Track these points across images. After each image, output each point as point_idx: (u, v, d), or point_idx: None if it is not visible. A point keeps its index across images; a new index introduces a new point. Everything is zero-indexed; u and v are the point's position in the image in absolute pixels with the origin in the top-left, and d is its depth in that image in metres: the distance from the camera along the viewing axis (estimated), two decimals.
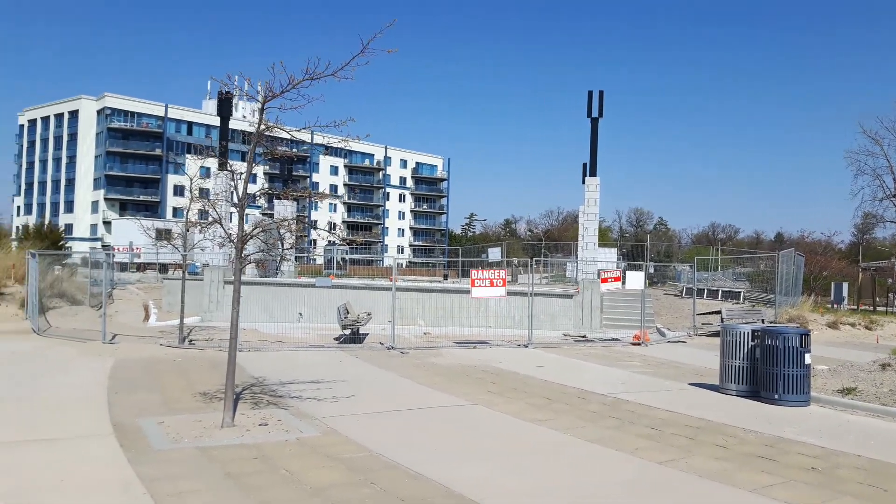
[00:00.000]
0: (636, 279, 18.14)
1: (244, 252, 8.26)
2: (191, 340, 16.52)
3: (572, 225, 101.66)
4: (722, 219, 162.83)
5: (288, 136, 8.12)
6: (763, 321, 21.13)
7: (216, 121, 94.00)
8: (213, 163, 17.98)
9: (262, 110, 7.97)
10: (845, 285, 29.69)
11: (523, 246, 62.75)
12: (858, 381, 11.00)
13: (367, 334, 18.64)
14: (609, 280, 17.93)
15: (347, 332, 17.74)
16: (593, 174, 22.18)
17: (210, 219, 8.62)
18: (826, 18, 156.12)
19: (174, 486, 5.89)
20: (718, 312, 23.34)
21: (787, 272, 25.26)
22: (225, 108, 22.31)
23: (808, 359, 10.16)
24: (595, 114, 21.63)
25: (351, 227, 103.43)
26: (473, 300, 22.56)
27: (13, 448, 7.03)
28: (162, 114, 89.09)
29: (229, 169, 8.28)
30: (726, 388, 11.12)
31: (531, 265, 19.19)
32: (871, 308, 28.10)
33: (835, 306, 27.57)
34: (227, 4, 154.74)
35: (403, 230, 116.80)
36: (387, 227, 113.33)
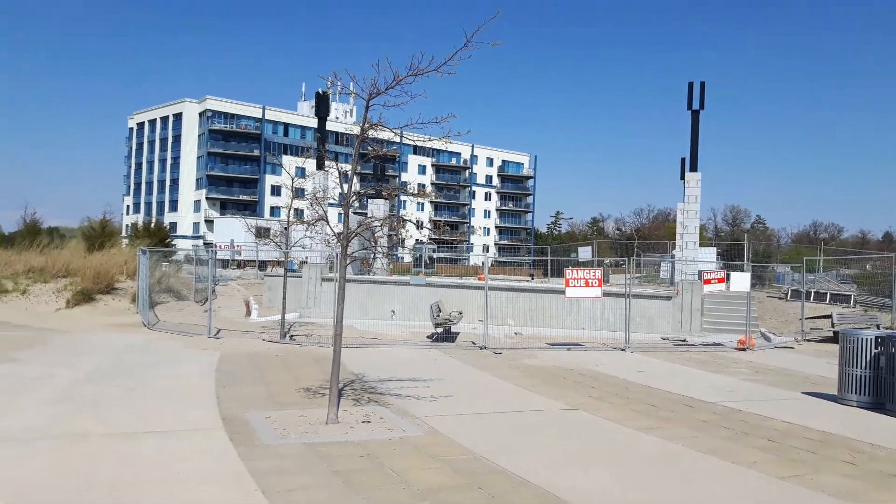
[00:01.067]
0: (741, 280, 17.27)
1: (348, 250, 8.31)
2: (291, 336, 16.95)
3: (663, 223, 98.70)
4: (824, 217, 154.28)
5: (391, 134, 8.10)
6: (878, 327, 19.75)
7: (311, 122, 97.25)
8: (309, 163, 18.37)
9: (367, 107, 7.99)
10: None
11: (611, 245, 61.33)
12: None
13: (458, 333, 18.60)
14: (713, 281, 17.16)
15: (440, 330, 17.77)
16: (694, 169, 21.33)
17: (316, 217, 8.71)
18: None
19: (284, 482, 5.95)
20: (827, 317, 21.97)
21: None
22: (323, 108, 22.80)
23: None
24: (696, 106, 20.78)
25: (437, 225, 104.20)
26: (565, 300, 22.21)
27: (131, 438, 7.32)
28: (260, 115, 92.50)
29: (336, 168, 8.33)
30: (846, 398, 10.37)
31: (629, 264, 18.59)
32: None
33: None
34: (321, 9, 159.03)
35: (489, 229, 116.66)
36: (472, 226, 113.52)
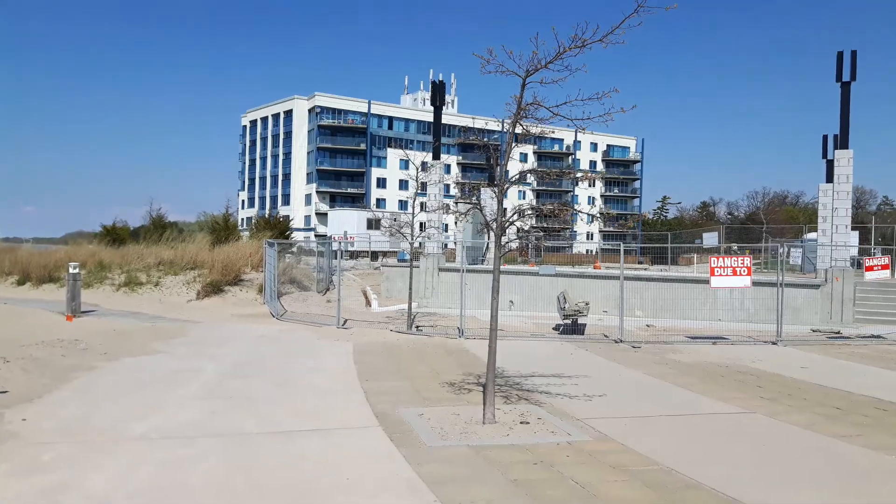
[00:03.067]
0: None
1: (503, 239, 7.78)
2: (417, 326, 16.72)
3: (780, 206, 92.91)
4: None
5: (550, 114, 7.46)
6: None
7: (414, 114, 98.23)
8: (414, 155, 17.94)
9: (523, 85, 7.40)
10: None
11: (735, 230, 58.05)
12: None
13: (584, 325, 17.78)
14: (875, 268, 15.52)
15: (567, 321, 17.03)
16: (845, 146, 19.41)
17: (469, 206, 8.24)
18: None
19: (464, 494, 5.49)
20: None
21: None
22: (438, 97, 22.44)
23: None
24: (846, 77, 18.86)
25: (529, 214, 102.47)
26: (699, 289, 20.91)
27: (291, 438, 7.11)
28: (365, 110, 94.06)
29: (492, 150, 7.81)
30: None
31: (782, 252, 17.13)
32: None
33: None
34: (419, 4, 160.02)
35: (593, 216, 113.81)
36: (577, 213, 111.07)
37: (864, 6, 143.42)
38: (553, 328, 17.46)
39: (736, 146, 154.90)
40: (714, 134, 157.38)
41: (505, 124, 8.04)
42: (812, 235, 31.11)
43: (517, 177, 8.05)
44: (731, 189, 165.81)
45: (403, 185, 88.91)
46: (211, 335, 14.98)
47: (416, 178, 16.54)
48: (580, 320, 17.49)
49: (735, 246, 32.04)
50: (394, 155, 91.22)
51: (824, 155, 24.25)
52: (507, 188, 7.61)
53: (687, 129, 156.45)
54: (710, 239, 33.74)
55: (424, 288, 23.50)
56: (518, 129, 7.76)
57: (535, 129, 7.96)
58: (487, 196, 27.98)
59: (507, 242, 8.13)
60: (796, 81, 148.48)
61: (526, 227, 9.08)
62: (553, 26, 6.91)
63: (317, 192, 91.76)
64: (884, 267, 15.59)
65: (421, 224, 22.57)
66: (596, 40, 7.11)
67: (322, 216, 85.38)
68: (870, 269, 15.72)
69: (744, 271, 14.80)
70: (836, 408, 8.94)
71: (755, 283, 18.74)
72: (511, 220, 7.88)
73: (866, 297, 20.40)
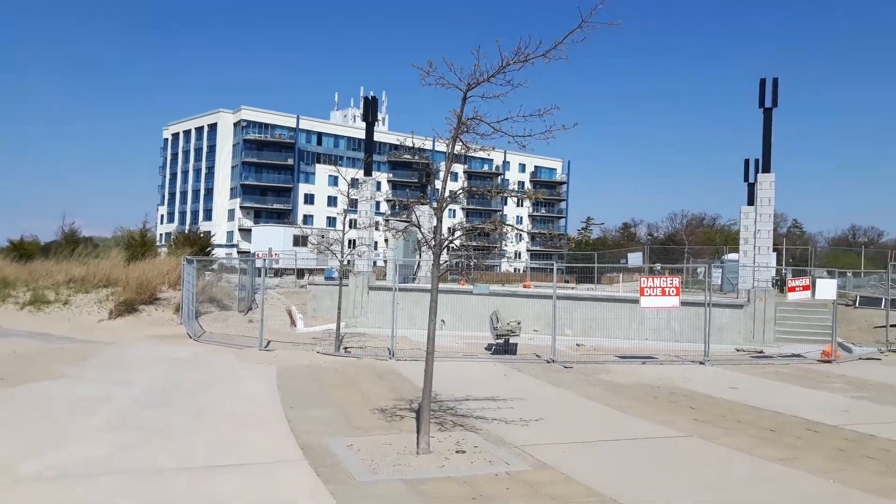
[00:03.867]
0: (827, 288, 16.00)
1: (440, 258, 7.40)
2: (346, 348, 16.11)
3: (698, 228, 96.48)
4: (863, 221, 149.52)
5: (490, 130, 7.17)
6: None
7: (344, 130, 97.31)
8: (345, 172, 17.41)
9: (464, 99, 7.10)
10: None
11: (657, 251, 59.69)
12: None
13: (516, 344, 17.60)
14: (797, 289, 15.94)
15: (500, 341, 16.80)
16: (767, 170, 20.04)
17: (404, 224, 7.84)
18: None
19: None
20: None
21: None
22: (371, 113, 22.02)
23: None
24: (768, 103, 19.51)
25: (468, 232, 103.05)
26: (626, 309, 21.10)
27: (210, 475, 6.48)
28: (293, 125, 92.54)
29: (433, 168, 7.46)
30: None
31: (708, 271, 17.42)
32: None
33: None
34: (352, 19, 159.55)
35: (521, 235, 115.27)
36: (502, 237, 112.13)
37: (785, 35, 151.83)
38: (485, 348, 17.20)
39: (656, 170, 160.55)
40: (635, 157, 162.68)
41: (437, 142, 7.71)
42: (732, 256, 32.15)
43: (459, 193, 7.70)
44: (651, 211, 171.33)
45: (332, 201, 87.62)
46: (123, 358, 13.98)
47: (347, 194, 16.02)
48: (512, 340, 17.30)
49: (659, 266, 32.73)
50: (322, 171, 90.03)
51: (746, 178, 25.09)
52: (447, 205, 7.25)
53: (609, 153, 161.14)
54: (635, 259, 34.43)
55: (353, 307, 22.88)
56: (458, 147, 7.44)
57: (475, 146, 7.65)
58: (423, 214, 27.69)
59: (445, 262, 7.75)
60: (717, 106, 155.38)
61: (464, 245, 8.75)
62: (497, 38, 6.65)
63: (241, 207, 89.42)
64: (805, 288, 16.04)
65: (351, 241, 22.00)
66: (539, 55, 6.89)
67: (246, 232, 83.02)
68: (792, 289, 16.16)
69: (672, 291, 14.93)
70: (769, 429, 8.92)
71: (682, 304, 19.09)
72: (451, 238, 7.53)
73: (786, 316, 21.06)
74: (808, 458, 7.47)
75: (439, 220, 7.30)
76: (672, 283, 14.92)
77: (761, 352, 17.81)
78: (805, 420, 9.54)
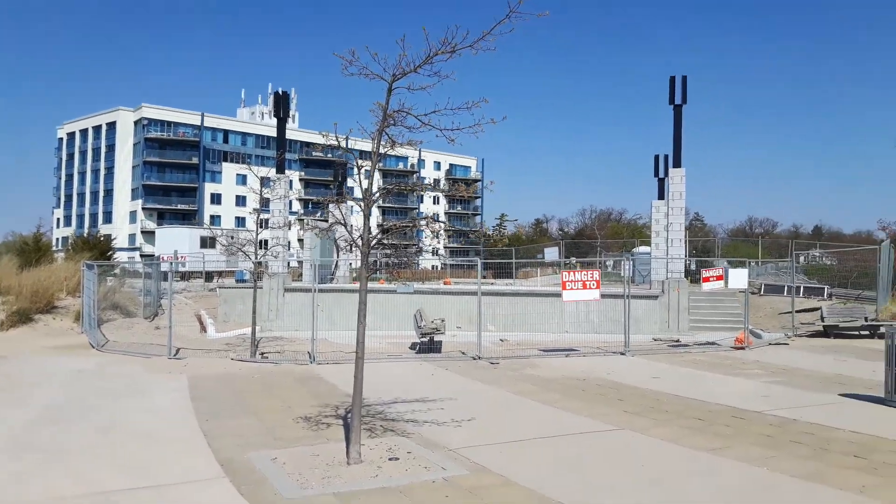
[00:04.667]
0: (739, 277, 16.58)
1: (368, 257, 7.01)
2: (262, 353, 15.40)
3: (606, 223, 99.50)
4: (759, 213, 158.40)
5: (418, 123, 6.83)
6: (867, 319, 19.46)
7: (252, 128, 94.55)
8: (257, 170, 16.56)
9: (390, 90, 6.74)
10: None
11: (573, 245, 60.92)
12: None
13: (440, 342, 17.36)
14: (711, 279, 16.42)
15: (425, 339, 16.52)
16: (677, 165, 20.62)
17: (332, 220, 7.39)
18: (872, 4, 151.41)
19: None
20: (813, 310, 21.68)
21: (874, 268, 23.48)
22: (282, 109, 21.23)
23: None
24: (678, 100, 20.09)
25: (384, 230, 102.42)
26: (547, 303, 21.27)
27: (116, 501, 5.85)
28: (198, 122, 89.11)
29: (357, 164, 7.05)
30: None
31: (625, 267, 17.69)
32: None
33: None
34: (259, 15, 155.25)
35: (438, 233, 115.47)
36: (422, 231, 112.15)
37: (694, 35, 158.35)
38: (410, 347, 16.88)
39: (568, 167, 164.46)
40: (547, 155, 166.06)
41: (357, 139, 7.32)
42: (642, 249, 33.06)
43: (389, 189, 7.33)
44: (563, 207, 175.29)
45: (240, 201, 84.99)
46: (18, 372, 12.80)
47: (260, 192, 15.30)
48: (437, 338, 17.05)
49: (573, 260, 33.31)
50: (230, 169, 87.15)
51: (656, 174, 25.80)
52: (375, 202, 6.87)
53: (522, 151, 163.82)
54: (551, 254, 34.98)
55: (269, 310, 22.05)
56: (384, 141, 7.06)
57: (402, 142, 7.29)
58: (339, 213, 27.01)
59: (374, 261, 7.35)
60: (627, 104, 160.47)
61: (393, 244, 8.38)
62: (423, 26, 6.31)
63: (143, 208, 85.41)
64: (718, 278, 16.56)
65: (263, 242, 21.14)
66: (466, 46, 6.61)
67: (149, 235, 79.34)
68: (706, 279, 16.64)
69: (593, 285, 15.06)
70: (697, 419, 9.01)
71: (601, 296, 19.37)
72: (382, 236, 7.14)
73: (698, 306, 21.75)
74: (738, 447, 7.54)
75: (366, 217, 6.91)
76: (593, 277, 15.05)
77: (678, 341, 18.29)
78: (730, 407, 9.71)
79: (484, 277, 38.54)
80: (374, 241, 6.99)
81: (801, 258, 34.83)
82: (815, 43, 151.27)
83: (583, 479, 6.47)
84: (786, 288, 25.86)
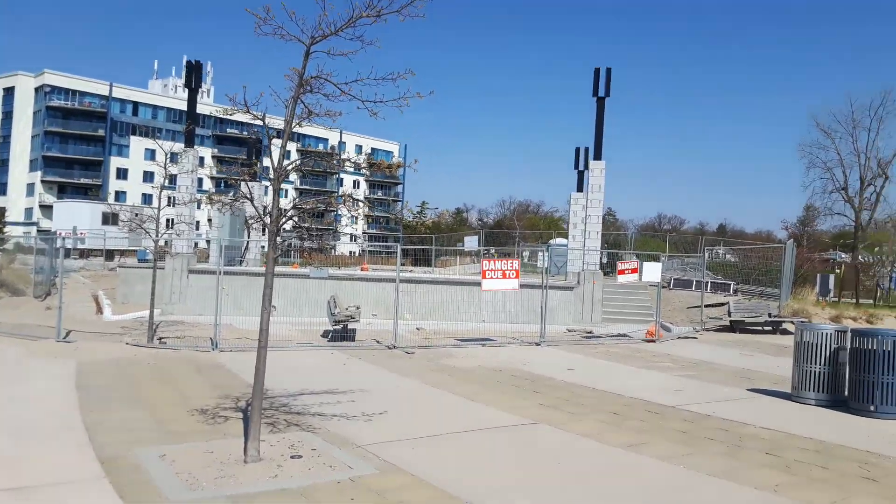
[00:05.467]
0: (653, 270, 16.79)
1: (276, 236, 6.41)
2: (161, 338, 14.43)
3: (524, 214, 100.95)
4: (668, 209, 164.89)
5: (338, 91, 6.28)
6: (770, 315, 20.20)
7: (163, 101, 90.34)
8: (165, 145, 15.39)
9: (307, 53, 6.15)
10: (831, 277, 29.23)
11: (493, 235, 61.21)
12: None
13: (354, 330, 16.80)
14: (626, 272, 16.56)
15: (339, 327, 15.92)
16: (598, 157, 20.73)
17: (239, 195, 6.74)
18: (782, 12, 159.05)
19: None
20: (720, 305, 22.35)
21: (776, 265, 24.52)
22: (194, 79, 20.02)
23: None
24: (602, 93, 20.15)
25: (297, 207, 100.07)
26: (464, 292, 21.03)
27: None
28: (105, 93, 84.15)
29: (268, 134, 6.42)
30: (803, 397, 9.79)
31: (544, 257, 17.62)
32: (855, 300, 27.71)
33: (820, 299, 26.97)
34: None
35: (357, 217, 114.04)
36: (340, 214, 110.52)
37: (616, 27, 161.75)
38: (322, 335, 16.23)
39: (489, 157, 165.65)
40: (469, 144, 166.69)
41: (269, 119, 6.70)
42: (559, 241, 33.41)
43: (303, 163, 6.76)
44: (483, 197, 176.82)
45: (149, 176, 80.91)
46: None
47: (165, 165, 14.26)
48: (351, 326, 16.48)
49: (493, 250, 33.33)
50: (138, 143, 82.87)
51: (576, 166, 25.97)
52: (287, 175, 6.28)
53: (445, 138, 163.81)
54: (471, 242, 34.91)
55: (171, 292, 20.84)
56: (299, 111, 6.46)
57: (319, 112, 6.70)
58: (254, 190, 25.84)
59: (284, 243, 6.76)
60: (549, 95, 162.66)
61: (306, 227, 7.79)
62: None
63: (42, 181, 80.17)
64: (633, 271, 16.72)
65: (169, 220, 19.97)
66: (393, 11, 6.11)
67: (48, 209, 74.57)
68: (622, 272, 16.78)
69: (513, 274, 14.87)
70: (613, 413, 8.87)
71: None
72: (291, 213, 6.56)
73: (611, 298, 22.03)
74: (656, 443, 7.41)
75: (276, 193, 6.33)
76: (512, 267, 14.85)
77: (591, 332, 18.41)
78: (644, 401, 9.65)
79: (402, 264, 38.25)
80: (283, 220, 6.39)
81: (707, 255, 36.08)
82: (718, 48, 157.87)
83: (499, 478, 6.14)
84: (694, 283, 26.65)
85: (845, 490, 5.98)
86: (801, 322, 10.60)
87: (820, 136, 42.41)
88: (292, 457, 6.47)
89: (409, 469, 6.21)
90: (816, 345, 9.65)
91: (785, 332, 19.66)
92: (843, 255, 45.82)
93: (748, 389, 10.93)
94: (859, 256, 41.31)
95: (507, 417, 8.44)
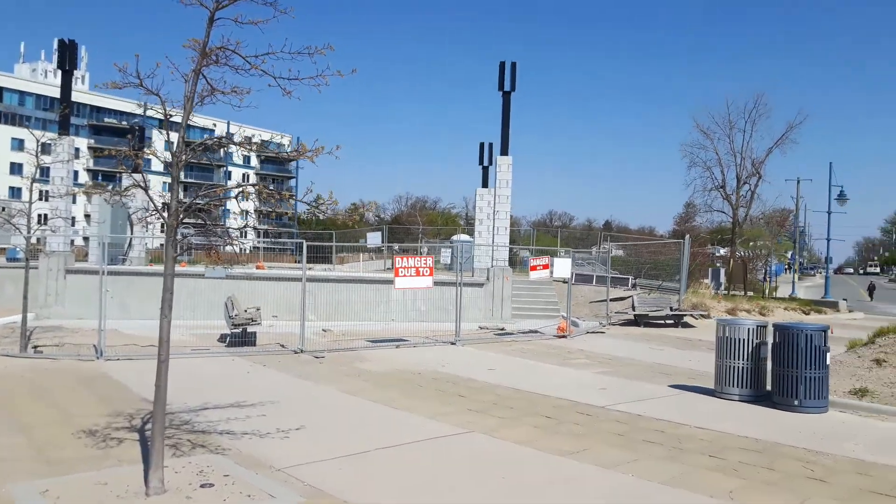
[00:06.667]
0: (563, 267, 16.70)
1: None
2: (36, 347, 12.85)
3: (422, 211, 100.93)
4: (558, 206, 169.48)
5: (247, 65, 5.46)
6: (671, 308, 20.71)
7: (31, 87, 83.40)
8: (32, 133, 13.69)
9: (212, 19, 5.30)
10: (722, 271, 30.63)
11: (395, 231, 60.35)
12: (862, 381, 10.08)
13: (255, 333, 15.71)
14: (538, 268, 16.36)
15: (238, 331, 14.81)
16: (505, 153, 20.50)
17: (131, 183, 5.75)
18: (670, 13, 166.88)
19: None
20: (622, 300, 22.75)
21: (666, 260, 25.37)
22: (68, 59, 18.11)
23: (828, 358, 9.03)
24: (507, 87, 19.91)
25: (187, 208, 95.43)
26: (371, 290, 20.27)
27: None
28: None
29: (164, 110, 5.50)
30: (727, 393, 9.79)
31: (456, 253, 17.12)
32: (744, 293, 29.24)
33: (715, 292, 28.23)
34: None
35: (247, 212, 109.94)
36: (228, 209, 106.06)
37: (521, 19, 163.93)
38: (219, 339, 15.05)
39: (383, 151, 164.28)
40: (361, 139, 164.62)
41: (149, 108, 5.79)
42: (463, 237, 33.20)
43: (203, 146, 5.86)
44: (380, 193, 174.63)
45: (16, 168, 74.34)
46: None
47: (37, 154, 12.66)
48: (251, 329, 15.39)
49: (396, 246, 32.69)
50: (4, 132, 76.08)
51: (481, 161, 25.72)
52: (186, 160, 5.39)
53: (342, 134, 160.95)
54: (374, 238, 34.05)
55: (46, 294, 18.84)
56: (200, 88, 5.58)
57: (225, 89, 5.85)
58: (139, 175, 23.81)
59: (185, 238, 5.85)
60: (453, 90, 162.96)
61: (205, 225, 6.88)
62: None
63: None
64: (544, 267, 16.56)
65: (42, 215, 18.02)
66: None
67: None
68: (534, 268, 16.59)
69: (426, 272, 14.31)
70: (545, 416, 8.48)
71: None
72: (190, 204, 5.66)
73: (519, 294, 21.91)
74: (597, 449, 7.05)
75: (175, 180, 5.42)
76: (426, 264, 14.29)
77: (503, 329, 18.15)
78: (573, 402, 9.33)
79: (297, 262, 36.82)
80: (183, 215, 5.50)
81: (594, 249, 37.03)
82: (614, 50, 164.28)
83: (440, 498, 5.55)
84: (594, 278, 27.11)
85: (798, 493, 5.81)
86: (723, 319, 10.63)
87: (700, 137, 44.68)
88: (202, 485, 5.62)
89: (340, 495, 5.51)
90: (738, 340, 9.67)
91: (686, 325, 20.22)
92: (722, 251, 48.44)
93: (670, 386, 10.88)
94: (737, 252, 43.78)
95: (436, 427, 7.84)
